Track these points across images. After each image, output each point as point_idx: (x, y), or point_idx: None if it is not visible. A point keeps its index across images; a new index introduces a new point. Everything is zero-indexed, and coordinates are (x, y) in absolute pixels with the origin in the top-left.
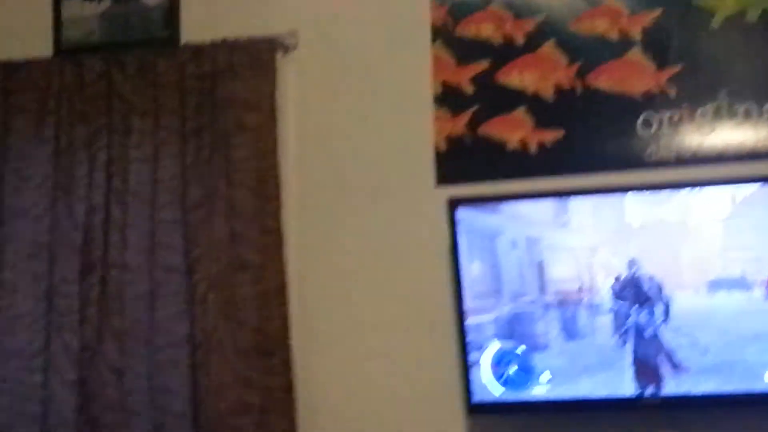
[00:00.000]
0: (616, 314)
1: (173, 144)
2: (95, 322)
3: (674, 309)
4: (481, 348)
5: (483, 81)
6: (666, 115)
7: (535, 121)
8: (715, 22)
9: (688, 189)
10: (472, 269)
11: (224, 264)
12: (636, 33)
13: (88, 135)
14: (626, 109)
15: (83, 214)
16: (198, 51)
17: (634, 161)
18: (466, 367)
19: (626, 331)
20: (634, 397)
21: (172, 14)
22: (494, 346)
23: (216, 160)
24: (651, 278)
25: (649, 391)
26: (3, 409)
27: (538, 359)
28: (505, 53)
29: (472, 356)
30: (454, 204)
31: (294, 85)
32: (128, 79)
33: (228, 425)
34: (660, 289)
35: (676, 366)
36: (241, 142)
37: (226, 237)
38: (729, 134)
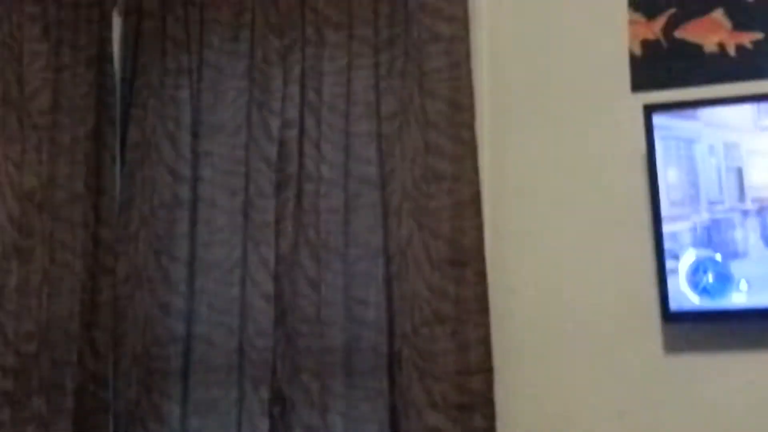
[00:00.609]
0: None
1: (366, 55)
2: (291, 235)
3: None
4: (677, 256)
5: None
6: None
7: (732, 23)
8: None
9: None
10: (668, 176)
11: (418, 175)
12: None
13: (282, 48)
14: None
15: (278, 128)
16: None
17: None
18: (662, 276)
19: None
20: None
21: None
22: (691, 254)
23: (409, 71)
24: None
25: None
26: (202, 320)
27: (736, 267)
28: None
29: (668, 264)
30: (650, 110)
31: None
32: None
33: (422, 336)
34: None
35: None
36: (435, 52)
37: (420, 148)
38: None
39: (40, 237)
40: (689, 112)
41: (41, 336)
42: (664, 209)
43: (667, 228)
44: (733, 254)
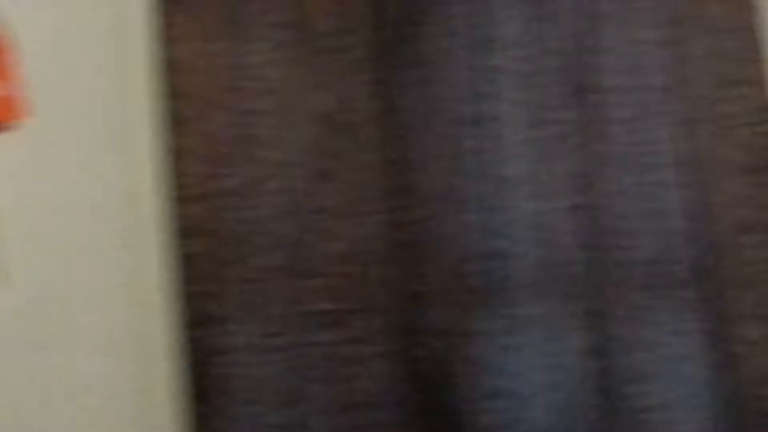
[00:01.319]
0: None
1: None
2: (586, 148)
3: None
4: None
5: None
6: None
7: None
8: None
9: None
10: None
11: (709, 82)
12: None
13: None
14: None
15: (567, 40)
16: None
17: None
18: None
19: None
20: None
21: None
22: None
23: None
24: None
25: None
26: (506, 237)
27: None
28: None
29: None
30: None
31: None
32: None
33: (730, 245)
34: None
35: None
36: None
37: (709, 54)
38: None
39: (340, 158)
40: None
41: (353, 256)
42: None
43: None
44: None
